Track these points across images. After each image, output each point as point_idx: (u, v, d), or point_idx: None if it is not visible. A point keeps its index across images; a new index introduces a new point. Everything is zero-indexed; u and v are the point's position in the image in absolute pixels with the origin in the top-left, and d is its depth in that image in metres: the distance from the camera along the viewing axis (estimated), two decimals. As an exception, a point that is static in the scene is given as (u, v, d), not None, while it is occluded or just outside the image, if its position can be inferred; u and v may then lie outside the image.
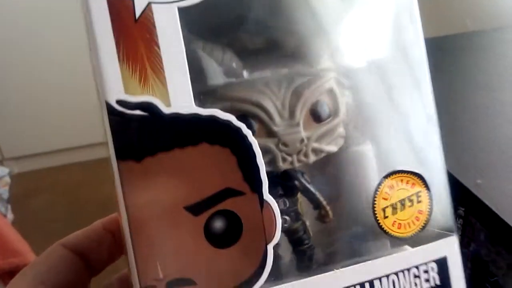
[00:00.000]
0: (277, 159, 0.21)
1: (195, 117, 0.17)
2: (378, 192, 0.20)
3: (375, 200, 0.20)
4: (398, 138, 0.23)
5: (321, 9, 0.22)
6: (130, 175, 0.16)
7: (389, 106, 0.24)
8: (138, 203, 0.17)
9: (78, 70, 1.73)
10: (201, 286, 0.17)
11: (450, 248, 0.20)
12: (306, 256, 0.24)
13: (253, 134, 0.21)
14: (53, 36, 1.79)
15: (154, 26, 0.17)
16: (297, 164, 0.22)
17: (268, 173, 0.23)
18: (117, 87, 0.16)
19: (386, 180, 0.20)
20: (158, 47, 0.17)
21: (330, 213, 0.24)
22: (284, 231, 0.24)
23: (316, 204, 0.24)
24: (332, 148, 0.22)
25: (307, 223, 0.25)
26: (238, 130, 0.18)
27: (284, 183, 0.23)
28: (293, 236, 0.24)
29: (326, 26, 0.22)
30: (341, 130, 0.23)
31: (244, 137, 0.18)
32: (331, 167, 0.25)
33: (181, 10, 0.18)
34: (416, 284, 0.20)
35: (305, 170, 0.24)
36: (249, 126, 0.21)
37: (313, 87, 0.22)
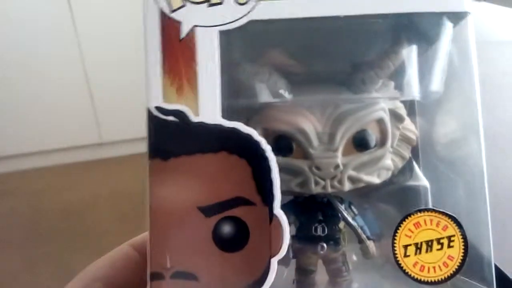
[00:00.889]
0: (309, 182, 0.21)
1: (218, 127, 0.19)
2: (400, 228, 0.19)
3: (396, 236, 0.19)
4: (451, 176, 0.22)
5: (376, 39, 0.22)
6: (157, 172, 0.19)
7: (446, 142, 0.22)
8: (160, 197, 0.19)
9: (44, 75, 1.65)
10: (202, 283, 0.18)
11: (486, 305, 0.18)
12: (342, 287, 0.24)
13: (291, 155, 0.22)
14: (30, 44, 1.64)
15: (195, 46, 0.19)
16: (330, 190, 0.21)
17: (310, 198, 0.23)
18: (157, 96, 0.19)
19: (412, 216, 0.19)
20: (196, 64, 0.19)
21: (371, 250, 0.23)
22: (321, 258, 0.24)
23: (359, 239, 0.23)
24: (373, 179, 0.22)
25: (353, 255, 0.24)
26: (257, 144, 0.19)
27: (325, 210, 0.23)
28: (330, 265, 0.24)
29: (382, 57, 0.22)
30: (387, 162, 0.22)
31: (262, 151, 0.19)
32: (379, 201, 0.24)
33: (233, 35, 0.20)
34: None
35: (354, 201, 0.24)
36: (288, 147, 0.22)
37: (359, 115, 0.22)
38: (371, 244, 0.23)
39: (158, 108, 0.19)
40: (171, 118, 0.19)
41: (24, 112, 1.71)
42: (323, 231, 0.23)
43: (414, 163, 0.24)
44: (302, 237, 0.23)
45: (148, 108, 0.19)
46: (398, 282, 0.21)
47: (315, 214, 0.23)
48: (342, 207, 0.23)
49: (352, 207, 0.24)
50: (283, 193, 0.20)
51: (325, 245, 0.23)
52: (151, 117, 0.19)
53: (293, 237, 0.23)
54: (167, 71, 0.19)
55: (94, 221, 1.39)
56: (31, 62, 1.66)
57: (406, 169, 0.24)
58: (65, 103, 1.71)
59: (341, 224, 0.23)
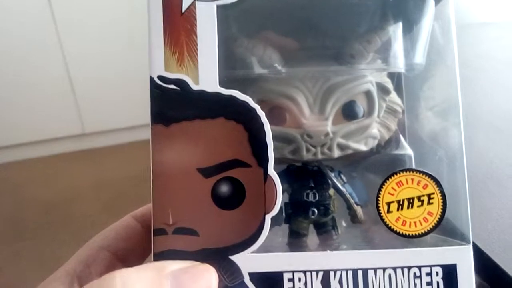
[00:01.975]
0: (301, 149, 0.23)
1: (217, 95, 0.20)
2: (384, 186, 0.20)
3: (379, 193, 0.20)
4: (434, 146, 0.23)
5: (365, 16, 0.23)
6: (159, 137, 0.20)
7: (429, 115, 0.24)
8: (161, 160, 0.20)
9: (25, 66, 1.61)
10: (202, 238, 0.20)
11: (462, 257, 0.19)
12: (332, 248, 0.25)
13: (284, 124, 0.23)
14: (9, 36, 1.60)
15: (195, 19, 0.21)
16: (320, 156, 0.23)
17: (302, 166, 0.25)
18: (159, 65, 0.21)
19: (395, 176, 0.20)
20: (196, 36, 0.21)
21: (359, 214, 0.25)
22: (312, 222, 0.25)
23: (348, 204, 0.25)
24: (360, 146, 0.23)
25: (342, 221, 0.26)
26: (253, 110, 0.20)
27: (316, 177, 0.25)
28: (321, 229, 0.25)
29: (369, 32, 0.23)
30: (374, 131, 0.24)
31: (258, 117, 0.20)
32: (367, 170, 0.25)
33: (232, 12, 0.21)
34: (416, 285, 0.19)
35: (343, 170, 0.26)
36: (281, 117, 0.23)
37: (348, 87, 0.23)
38: (358, 209, 0.25)
39: (160, 77, 0.20)
40: (172, 86, 0.20)
41: (4, 104, 1.68)
42: (314, 197, 0.24)
43: (400, 135, 0.26)
44: (295, 202, 0.25)
45: (151, 77, 0.21)
46: (384, 241, 0.23)
47: (307, 181, 0.25)
48: (332, 175, 0.25)
49: (342, 176, 0.25)
50: (277, 161, 0.21)
51: (316, 210, 0.24)
52: (154, 86, 0.21)
53: (286, 203, 0.24)
54: (169, 43, 0.21)
55: (78, 212, 1.40)
56: (10, 54, 1.63)
57: (393, 141, 0.25)
58: (46, 95, 1.68)
59: (331, 191, 0.25)
